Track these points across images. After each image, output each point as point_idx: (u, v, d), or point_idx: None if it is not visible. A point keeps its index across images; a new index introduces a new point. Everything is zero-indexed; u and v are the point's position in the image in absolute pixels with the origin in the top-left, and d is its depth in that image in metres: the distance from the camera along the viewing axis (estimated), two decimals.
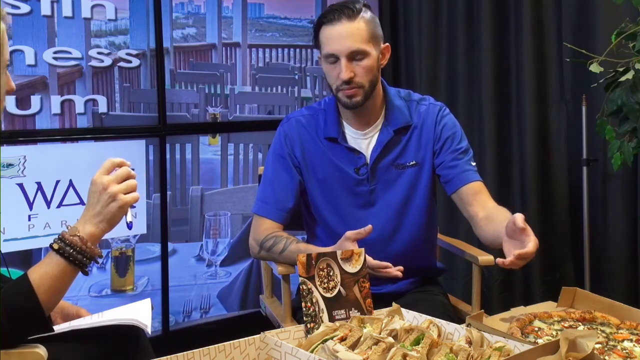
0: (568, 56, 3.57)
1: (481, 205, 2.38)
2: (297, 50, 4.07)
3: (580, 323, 2.01)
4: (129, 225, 1.82)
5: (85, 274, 1.79)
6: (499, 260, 2.01)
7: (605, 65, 2.85)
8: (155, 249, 3.64)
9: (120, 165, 1.82)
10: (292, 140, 2.52)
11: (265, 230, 2.47)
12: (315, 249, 2.21)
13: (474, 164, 2.49)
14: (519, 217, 1.99)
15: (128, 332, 1.87)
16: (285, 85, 4.04)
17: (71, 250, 1.74)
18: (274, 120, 2.71)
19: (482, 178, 2.48)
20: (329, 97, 2.56)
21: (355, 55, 2.34)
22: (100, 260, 1.81)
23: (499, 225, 2.17)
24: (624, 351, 1.83)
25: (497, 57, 3.90)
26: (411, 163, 2.47)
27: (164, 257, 3.65)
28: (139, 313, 1.92)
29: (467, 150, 2.49)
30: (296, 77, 4.06)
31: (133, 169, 1.85)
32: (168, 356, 1.67)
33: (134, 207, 3.33)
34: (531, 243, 1.97)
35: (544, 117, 3.84)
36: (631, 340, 1.90)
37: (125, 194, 1.78)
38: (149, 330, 1.88)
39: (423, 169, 2.48)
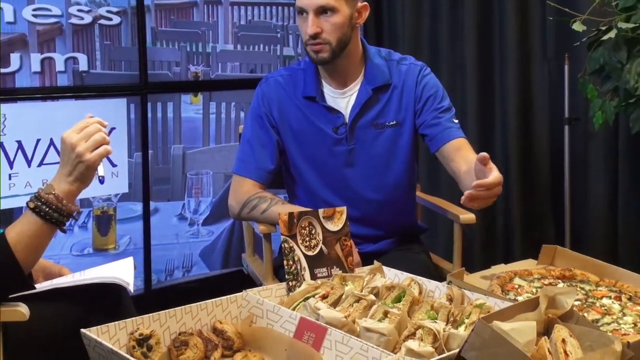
0: (551, 14, 3.55)
1: (463, 159, 2.35)
2: (280, 8, 4.04)
3: (559, 280, 2.03)
4: (101, 180, 1.81)
5: (63, 231, 1.79)
6: (462, 199, 1.97)
7: (588, 24, 2.85)
8: (137, 208, 3.63)
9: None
10: (269, 100, 2.50)
11: (247, 192, 2.45)
12: (299, 210, 2.21)
13: (456, 121, 2.48)
14: (482, 154, 1.96)
15: (110, 291, 1.88)
16: (267, 43, 4.01)
17: (47, 209, 1.73)
18: (256, 78, 2.69)
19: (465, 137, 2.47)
20: (308, 56, 2.55)
21: (323, 11, 2.32)
22: (77, 217, 1.80)
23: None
24: (603, 308, 1.85)
25: (479, 15, 3.87)
26: (391, 123, 2.46)
27: (146, 216, 3.63)
28: (121, 271, 1.93)
29: (450, 108, 2.48)
30: (278, 35, 4.03)
31: (113, 129, 1.82)
32: (150, 314, 1.68)
33: (115, 165, 3.36)
34: (492, 175, 1.94)
35: (526, 76, 3.83)
36: (610, 297, 1.92)
37: (93, 150, 1.77)
38: (131, 288, 1.89)
39: (403, 129, 2.47)
